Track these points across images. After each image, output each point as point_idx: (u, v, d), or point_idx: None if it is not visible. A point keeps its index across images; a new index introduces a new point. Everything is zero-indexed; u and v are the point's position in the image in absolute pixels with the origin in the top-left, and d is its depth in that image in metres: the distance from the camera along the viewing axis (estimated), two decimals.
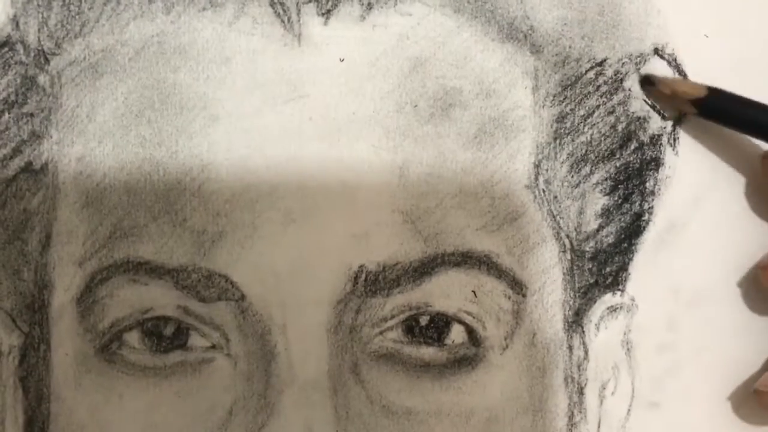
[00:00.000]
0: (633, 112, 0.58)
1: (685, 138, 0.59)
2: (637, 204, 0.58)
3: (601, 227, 0.58)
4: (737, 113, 0.57)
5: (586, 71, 0.57)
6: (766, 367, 0.58)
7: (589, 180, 0.57)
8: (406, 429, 0.54)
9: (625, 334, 0.58)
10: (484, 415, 0.55)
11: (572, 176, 0.57)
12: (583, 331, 0.58)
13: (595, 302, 0.58)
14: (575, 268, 0.57)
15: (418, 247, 0.54)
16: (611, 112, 0.58)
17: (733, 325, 0.59)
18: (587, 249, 0.57)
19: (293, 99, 0.54)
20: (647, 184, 0.58)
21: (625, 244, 0.58)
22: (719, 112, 0.58)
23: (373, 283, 0.54)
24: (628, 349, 0.58)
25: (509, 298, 0.55)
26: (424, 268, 0.54)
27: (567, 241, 0.57)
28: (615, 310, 0.58)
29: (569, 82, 0.57)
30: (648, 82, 0.58)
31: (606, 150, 0.57)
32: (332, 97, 0.55)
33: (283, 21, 0.55)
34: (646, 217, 0.58)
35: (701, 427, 0.59)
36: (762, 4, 0.60)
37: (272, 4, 0.55)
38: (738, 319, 0.59)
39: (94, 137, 0.55)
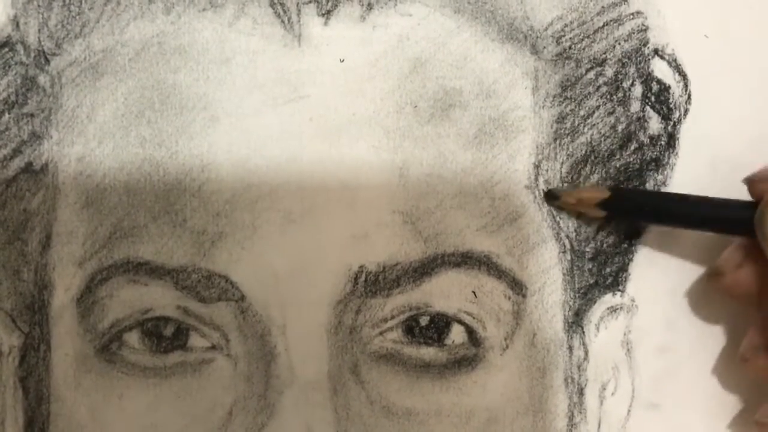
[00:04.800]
0: (633, 113, 0.58)
1: (685, 139, 0.59)
2: None
3: (600, 228, 0.58)
4: (644, 206, 0.57)
5: (586, 72, 0.57)
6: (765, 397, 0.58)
7: (589, 180, 0.57)
8: (407, 429, 0.54)
9: (625, 334, 0.58)
10: (484, 416, 0.55)
11: (572, 176, 0.57)
12: (583, 332, 0.58)
13: (595, 303, 0.58)
14: (575, 268, 0.57)
15: (418, 248, 0.54)
16: (611, 113, 0.58)
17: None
18: (587, 249, 0.57)
19: (293, 99, 0.54)
20: (647, 185, 0.58)
21: (625, 245, 0.58)
22: (627, 210, 0.57)
23: (373, 283, 0.54)
24: (628, 350, 0.58)
25: (509, 298, 0.55)
26: (424, 269, 0.54)
27: (567, 242, 0.57)
28: (615, 311, 0.58)
29: (569, 83, 0.57)
30: (552, 197, 0.57)
31: (606, 150, 0.57)
32: (332, 98, 0.55)
33: (283, 21, 0.55)
34: None
35: (700, 427, 0.59)
36: (762, 4, 0.60)
37: (272, 5, 0.55)
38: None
39: (94, 138, 0.55)
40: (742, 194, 0.56)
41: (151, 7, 0.55)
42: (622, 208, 0.57)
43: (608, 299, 0.58)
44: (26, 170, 0.56)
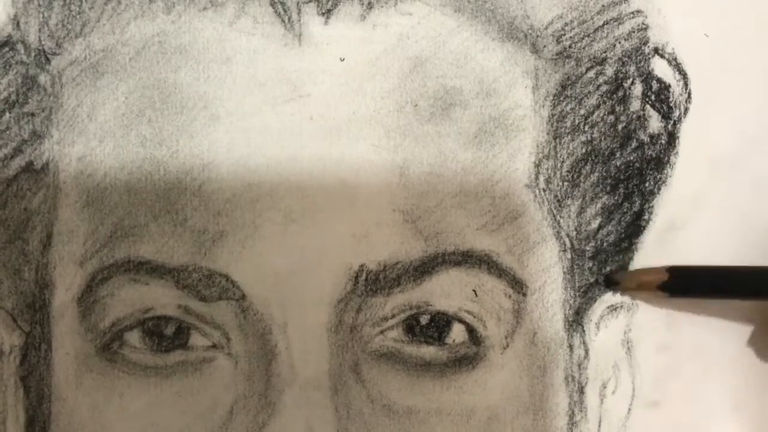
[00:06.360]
0: (633, 112, 0.58)
1: (685, 138, 0.59)
2: (637, 203, 0.58)
3: (601, 226, 0.58)
4: (705, 284, 0.57)
5: (587, 70, 0.57)
6: None
7: (590, 179, 0.57)
8: (407, 428, 0.54)
9: (625, 333, 0.58)
10: (485, 415, 0.55)
11: (572, 175, 0.57)
12: (584, 330, 0.58)
13: (595, 301, 0.58)
14: (575, 267, 0.57)
15: (419, 247, 0.54)
16: (611, 112, 0.58)
17: (732, 324, 0.59)
18: (587, 248, 0.57)
19: (294, 98, 0.54)
20: (647, 184, 0.58)
21: (626, 244, 0.58)
22: (688, 288, 0.57)
23: (373, 282, 0.54)
24: (628, 348, 0.58)
25: (510, 297, 0.55)
26: (424, 268, 0.54)
27: (567, 241, 0.57)
28: (615, 309, 0.58)
29: (569, 82, 0.57)
30: (612, 282, 0.58)
31: (606, 149, 0.58)
32: (333, 97, 0.55)
33: (283, 21, 0.55)
34: (646, 217, 0.58)
35: (701, 426, 0.59)
36: (762, 3, 0.60)
37: (273, 4, 0.55)
38: (738, 319, 0.59)
39: (95, 137, 0.55)
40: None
41: (151, 6, 0.55)
42: (681, 286, 0.57)
43: (608, 298, 0.58)
44: (27, 169, 0.56)
